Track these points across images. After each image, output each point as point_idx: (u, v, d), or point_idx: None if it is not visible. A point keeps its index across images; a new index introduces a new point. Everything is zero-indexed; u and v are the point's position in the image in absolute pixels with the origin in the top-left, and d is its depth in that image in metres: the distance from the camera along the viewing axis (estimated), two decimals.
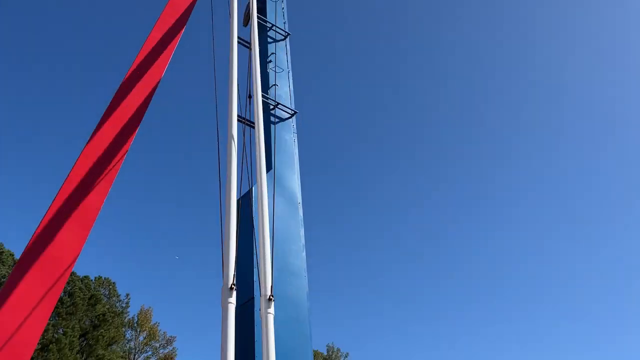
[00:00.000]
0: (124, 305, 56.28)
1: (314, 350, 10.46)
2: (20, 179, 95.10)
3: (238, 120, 13.39)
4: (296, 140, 13.01)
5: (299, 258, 10.99)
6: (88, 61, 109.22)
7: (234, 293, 6.60)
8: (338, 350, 69.61)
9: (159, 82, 11.55)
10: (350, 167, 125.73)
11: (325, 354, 68.39)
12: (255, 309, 9.38)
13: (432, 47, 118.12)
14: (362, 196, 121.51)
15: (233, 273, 6.91)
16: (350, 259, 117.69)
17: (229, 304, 6.53)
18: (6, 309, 8.69)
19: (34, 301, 8.76)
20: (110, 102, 10.97)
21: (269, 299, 7.32)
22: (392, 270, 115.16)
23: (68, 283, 48.81)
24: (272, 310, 7.15)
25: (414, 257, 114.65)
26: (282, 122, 13.03)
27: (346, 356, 69.93)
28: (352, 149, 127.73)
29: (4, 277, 45.45)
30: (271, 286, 7.48)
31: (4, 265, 46.78)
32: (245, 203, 11.59)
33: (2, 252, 47.98)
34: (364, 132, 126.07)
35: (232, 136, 8.97)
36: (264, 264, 7.79)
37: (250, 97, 13.43)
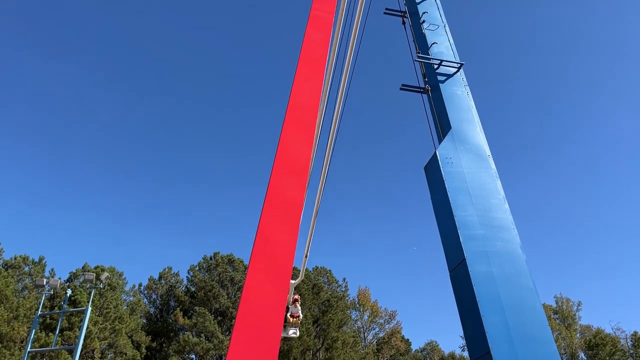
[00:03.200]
0: (343, 289, 60.14)
1: (542, 304, 9.86)
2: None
3: (407, 89, 13.28)
4: (469, 93, 12.36)
5: (502, 211, 10.44)
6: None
7: None
8: (568, 300, 64.66)
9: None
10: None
11: (555, 305, 64.13)
12: (470, 268, 9.19)
13: None
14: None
15: None
16: (565, 201, 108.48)
17: None
18: (253, 310, 9.94)
19: (270, 298, 9.88)
20: (287, 111, 11.72)
21: None
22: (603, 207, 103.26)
23: (292, 277, 53.92)
24: None
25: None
26: (450, 79, 12.48)
27: (579, 305, 64.63)
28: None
29: (240, 281, 52.03)
30: None
31: (237, 271, 53.62)
32: (432, 169, 11.42)
33: (234, 260, 55.06)
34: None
35: None
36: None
37: (415, 63, 13.21)
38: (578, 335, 61.75)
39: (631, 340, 59.31)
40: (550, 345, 8.89)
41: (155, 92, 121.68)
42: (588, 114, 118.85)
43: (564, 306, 64.03)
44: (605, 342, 56.84)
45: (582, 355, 60.66)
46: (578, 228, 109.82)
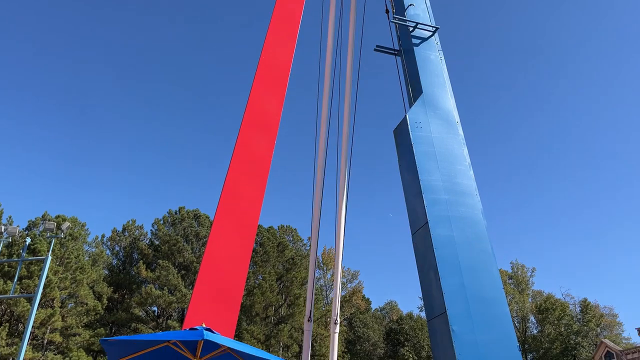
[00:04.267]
0: (308, 248, 60.92)
1: (498, 269, 10.23)
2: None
3: (380, 50, 13.14)
4: (443, 58, 12.34)
5: (467, 177, 10.65)
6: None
7: (311, 324, 8.26)
8: (523, 266, 67.25)
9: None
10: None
11: (510, 271, 66.66)
12: (432, 232, 9.41)
13: None
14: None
15: (312, 308, 8.43)
16: (523, 172, 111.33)
17: (306, 332, 8.91)
18: (217, 265, 9.98)
19: (235, 254, 9.92)
20: (259, 63, 11.48)
21: (335, 322, 9.24)
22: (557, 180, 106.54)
23: (257, 234, 54.21)
24: (337, 330, 9.29)
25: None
26: (424, 42, 12.41)
27: (533, 271, 67.36)
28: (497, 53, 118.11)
29: (205, 236, 52.05)
30: (338, 313, 9.21)
31: (203, 227, 53.56)
32: (401, 133, 11.47)
33: (200, 215, 54.89)
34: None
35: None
36: (336, 293, 8.22)
37: (391, 25, 13.03)
38: (530, 299, 64.58)
39: (579, 306, 62.46)
40: (503, 307, 9.27)
41: (128, 24, 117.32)
42: (556, 83, 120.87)
43: (519, 272, 66.59)
44: (554, 306, 59.70)
45: (532, 318, 63.70)
46: (539, 197, 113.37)
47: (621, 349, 37.52)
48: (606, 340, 39.19)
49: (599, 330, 59.03)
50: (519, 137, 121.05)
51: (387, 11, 13.37)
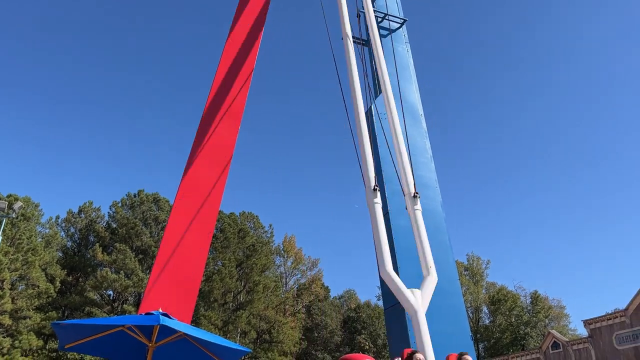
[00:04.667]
0: (269, 235, 60.85)
1: (454, 260, 10.45)
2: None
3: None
4: (410, 51, 12.43)
5: (428, 169, 10.81)
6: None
7: (378, 194, 7.63)
8: (478, 258, 69.14)
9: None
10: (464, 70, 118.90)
11: (466, 263, 68.43)
12: (392, 222, 9.53)
13: None
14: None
15: (374, 176, 7.87)
16: (482, 165, 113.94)
17: (375, 204, 7.64)
18: (175, 249, 9.83)
19: (194, 239, 9.78)
20: (221, 57, 11.29)
21: (414, 196, 8.09)
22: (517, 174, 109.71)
23: (218, 220, 53.74)
24: (419, 206, 8.04)
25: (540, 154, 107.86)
26: (393, 33, 12.44)
27: (487, 263, 69.35)
28: (466, 52, 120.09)
29: (164, 221, 51.20)
30: (414, 184, 8.21)
31: (162, 211, 52.67)
32: (367, 123, 11.50)
33: (160, 199, 53.93)
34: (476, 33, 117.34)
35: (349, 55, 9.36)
36: (403, 166, 8.29)
37: (359, 15, 12.98)
38: (484, 291, 66.53)
39: (530, 298, 64.78)
40: (457, 298, 9.51)
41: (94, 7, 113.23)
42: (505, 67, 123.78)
43: (474, 264, 68.43)
44: (506, 298, 61.75)
45: (485, 309, 65.70)
46: (498, 191, 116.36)
47: (567, 339, 39.13)
48: (553, 331, 40.73)
49: (547, 322, 61.41)
50: (467, 130, 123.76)
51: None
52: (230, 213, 56.20)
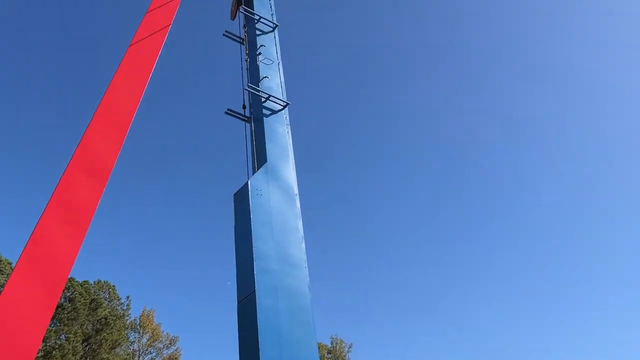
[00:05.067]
0: (125, 307, 56.09)
1: (318, 343, 10.42)
2: (16, 186, 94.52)
3: (231, 115, 13.30)
4: (290, 132, 12.87)
5: (299, 249, 10.88)
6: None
7: None
8: (342, 341, 69.78)
9: (148, 79, 11.38)
10: (343, 158, 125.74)
11: (330, 345, 68.54)
12: (257, 301, 9.30)
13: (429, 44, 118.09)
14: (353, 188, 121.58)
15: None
16: (347, 250, 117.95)
17: None
18: (4, 316, 8.59)
19: (32, 307, 8.66)
20: (99, 105, 10.79)
21: None
22: (384, 261, 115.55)
23: (68, 289, 48.66)
24: None
25: (411, 246, 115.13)
26: (274, 114, 12.86)
27: (350, 347, 70.15)
28: (344, 140, 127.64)
29: (2, 286, 45.18)
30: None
31: (2, 275, 46.54)
32: (241, 197, 11.49)
33: (0, 260, 47.74)
34: (355, 123, 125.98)
35: None
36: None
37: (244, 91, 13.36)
38: None
39: None
40: None
41: None
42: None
43: (337, 346, 68.81)
44: None
45: None
46: (364, 278, 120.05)
47: None
48: None
49: None
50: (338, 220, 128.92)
51: (248, 81, 13.76)
52: (84, 281, 51.32)
